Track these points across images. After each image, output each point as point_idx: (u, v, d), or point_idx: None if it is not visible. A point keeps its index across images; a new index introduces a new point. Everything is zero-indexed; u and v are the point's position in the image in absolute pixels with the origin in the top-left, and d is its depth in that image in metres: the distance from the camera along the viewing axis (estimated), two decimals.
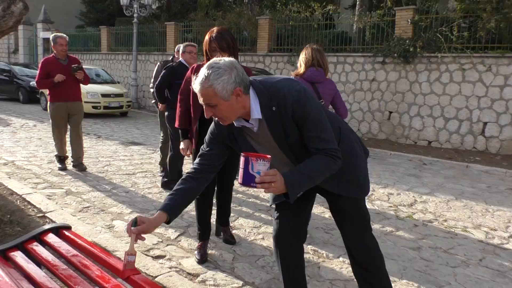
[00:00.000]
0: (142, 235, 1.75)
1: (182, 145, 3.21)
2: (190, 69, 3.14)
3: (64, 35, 5.48)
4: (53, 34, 5.51)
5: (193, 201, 3.16)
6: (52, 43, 5.36)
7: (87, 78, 5.55)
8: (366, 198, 4.70)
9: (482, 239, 3.82)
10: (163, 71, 4.78)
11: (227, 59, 1.74)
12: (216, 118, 1.80)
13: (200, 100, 1.73)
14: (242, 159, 1.67)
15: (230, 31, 2.97)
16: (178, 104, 3.22)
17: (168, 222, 1.81)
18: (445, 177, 6.32)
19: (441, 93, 9.07)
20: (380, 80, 9.94)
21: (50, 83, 5.27)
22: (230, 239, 3.42)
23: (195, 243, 3.30)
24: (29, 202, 4.11)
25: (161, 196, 4.69)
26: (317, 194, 2.19)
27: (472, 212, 4.65)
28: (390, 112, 9.80)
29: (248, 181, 1.66)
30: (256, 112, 1.77)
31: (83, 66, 5.52)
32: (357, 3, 12.45)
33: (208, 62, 1.73)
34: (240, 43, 13.03)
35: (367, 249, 2.13)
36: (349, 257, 2.20)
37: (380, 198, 5.06)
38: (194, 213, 4.05)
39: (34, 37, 20.62)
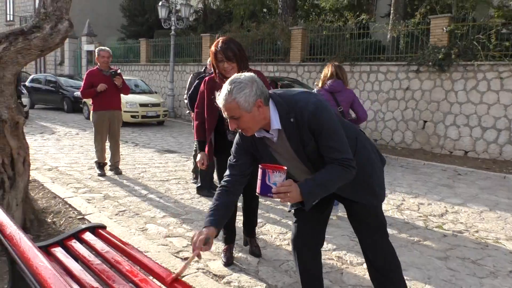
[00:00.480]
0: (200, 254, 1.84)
1: (198, 157, 3.23)
2: (202, 83, 3.21)
3: (107, 49, 5.88)
4: (97, 48, 5.95)
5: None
6: (96, 56, 5.81)
7: (127, 88, 5.92)
8: (395, 207, 4.70)
9: None
10: (196, 82, 5.00)
11: (247, 74, 1.87)
12: (240, 130, 1.92)
13: (225, 114, 1.84)
14: (259, 171, 1.78)
15: (235, 40, 3.01)
16: (194, 117, 3.29)
17: (216, 235, 1.95)
18: (480, 188, 6.16)
19: (478, 102, 8.83)
20: (415, 89, 9.80)
21: (93, 92, 5.64)
22: (255, 251, 3.37)
23: (221, 246, 3.43)
24: (70, 205, 4.39)
25: (192, 202, 4.87)
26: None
27: (506, 223, 4.53)
28: (425, 122, 9.63)
29: (265, 191, 1.77)
30: (275, 123, 1.88)
31: (123, 77, 5.89)
32: (391, 11, 12.35)
33: (230, 78, 1.86)
34: (273, 53, 13.23)
35: (384, 255, 2.18)
36: (366, 261, 2.26)
37: (410, 207, 5.02)
38: None
39: (78, 49, 21.71)
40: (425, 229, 4.27)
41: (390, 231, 4.12)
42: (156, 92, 14.85)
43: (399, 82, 10.06)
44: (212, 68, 3.07)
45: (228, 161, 2.11)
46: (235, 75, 1.88)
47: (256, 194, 1.82)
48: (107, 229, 3.50)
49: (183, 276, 2.86)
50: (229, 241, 3.27)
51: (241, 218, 3.45)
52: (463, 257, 3.56)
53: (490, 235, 4.14)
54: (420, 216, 4.69)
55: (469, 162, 8.25)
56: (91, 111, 5.92)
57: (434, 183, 6.41)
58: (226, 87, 1.82)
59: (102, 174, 5.89)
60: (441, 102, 9.38)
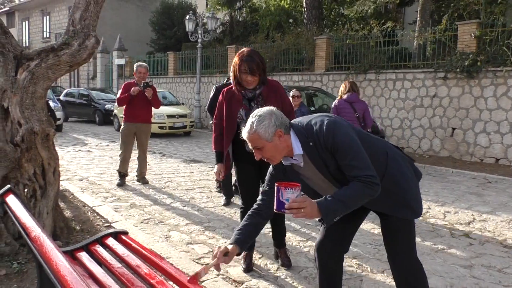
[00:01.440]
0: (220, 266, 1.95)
1: (215, 169, 3.26)
2: (221, 94, 3.25)
3: (145, 64, 6.20)
4: (136, 63, 6.26)
5: (239, 213, 3.36)
6: (134, 71, 6.10)
7: (157, 102, 6.13)
8: (421, 216, 4.67)
9: None
10: (213, 93, 5.21)
11: (266, 108, 2.03)
12: (266, 159, 2.03)
13: (250, 146, 2.00)
14: (275, 188, 1.87)
15: (258, 52, 3.06)
16: (213, 129, 3.34)
17: (238, 254, 2.03)
18: (510, 196, 5.97)
19: (509, 109, 8.58)
20: (442, 96, 9.62)
21: (127, 97, 5.88)
22: (286, 263, 3.33)
23: (242, 253, 3.47)
24: (98, 214, 4.56)
25: (215, 210, 4.96)
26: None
27: None
28: (453, 129, 9.42)
29: (279, 207, 1.85)
30: (297, 149, 1.99)
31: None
32: (418, 18, 12.20)
33: (252, 113, 2.03)
34: (298, 63, 13.29)
35: (410, 270, 2.20)
36: (392, 273, 2.28)
37: (435, 216, 4.92)
38: None
39: (110, 64, 22.48)
40: (450, 237, 4.18)
41: None
42: (183, 104, 15.18)
43: (426, 89, 9.90)
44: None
45: (262, 187, 2.23)
46: (257, 110, 2.02)
47: (274, 210, 1.91)
48: (132, 236, 3.64)
49: (202, 282, 2.93)
50: (250, 247, 3.32)
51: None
52: (488, 265, 3.47)
53: None
54: (446, 224, 4.60)
55: (500, 169, 7.99)
56: (122, 122, 6.14)
57: (462, 191, 6.26)
58: (249, 121, 1.99)
59: (121, 184, 6.03)
60: (470, 109, 9.16)
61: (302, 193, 1.91)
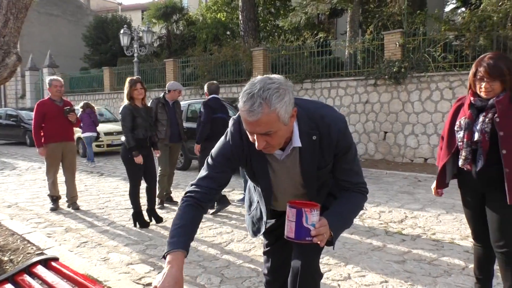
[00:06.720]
0: None
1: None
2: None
3: (59, 78, 5.76)
4: (48, 78, 5.75)
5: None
6: (48, 86, 5.56)
7: (78, 120, 5.82)
8: (357, 217, 4.79)
9: (467, 249, 3.90)
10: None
11: (277, 75, 1.50)
12: (264, 149, 1.52)
13: (256, 130, 1.44)
14: (292, 211, 1.47)
15: None
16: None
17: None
18: None
19: (433, 111, 9.24)
20: (374, 101, 10.16)
21: (42, 141, 5.44)
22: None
23: (187, 271, 3.42)
24: (29, 241, 4.27)
25: (157, 227, 4.85)
26: None
27: (461, 224, 4.73)
28: (385, 132, 9.97)
29: (303, 235, 1.47)
30: (296, 140, 1.59)
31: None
32: (348, 29, 12.84)
33: (258, 81, 1.45)
34: (237, 74, 13.44)
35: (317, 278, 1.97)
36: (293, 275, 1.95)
37: (371, 216, 5.16)
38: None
39: (40, 81, 21.34)
40: (385, 235, 4.40)
41: (351, 240, 4.23)
42: None
43: (359, 96, 10.40)
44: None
45: (206, 170, 1.69)
46: (266, 76, 1.48)
47: (288, 238, 1.50)
48: (67, 261, 3.46)
49: None
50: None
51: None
52: (419, 259, 3.69)
53: (446, 236, 4.31)
54: (381, 224, 4.83)
55: (428, 168, 8.56)
56: (43, 143, 5.51)
57: (395, 191, 6.62)
58: (257, 93, 1.39)
59: (55, 208, 5.70)
60: (399, 113, 9.75)
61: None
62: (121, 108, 4.85)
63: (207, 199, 1.65)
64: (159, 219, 4.99)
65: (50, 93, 5.62)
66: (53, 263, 2.46)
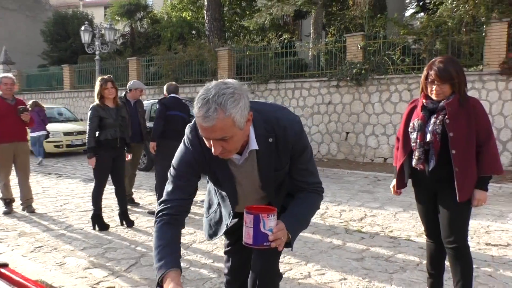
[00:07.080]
0: None
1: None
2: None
3: (10, 75, 5.53)
4: (0, 76, 5.50)
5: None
6: None
7: (32, 121, 5.60)
8: (319, 216, 4.86)
9: (422, 246, 4.04)
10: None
11: (231, 80, 1.48)
12: (220, 154, 1.51)
13: (212, 135, 1.43)
14: (249, 217, 1.47)
15: None
16: None
17: None
18: None
19: (392, 112, 9.53)
20: (336, 102, 10.36)
21: None
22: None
23: (147, 274, 3.37)
24: None
25: (117, 229, 4.74)
26: None
27: (417, 221, 4.90)
28: (347, 133, 10.19)
29: (261, 240, 1.47)
30: (253, 143, 1.58)
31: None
32: (311, 31, 13.03)
33: (212, 86, 1.42)
34: (202, 74, 13.35)
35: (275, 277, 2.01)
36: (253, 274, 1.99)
37: (332, 215, 5.26)
38: (148, 243, 4.15)
39: None
40: (345, 233, 4.50)
41: (312, 239, 4.30)
42: (81, 120, 14.27)
43: (322, 97, 10.58)
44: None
45: (171, 182, 1.66)
46: (221, 81, 1.46)
47: (246, 244, 1.50)
48: (19, 267, 3.32)
49: None
50: None
51: None
52: (377, 256, 3.80)
53: (402, 233, 4.47)
54: (342, 222, 4.94)
55: (387, 168, 8.82)
56: None
57: (356, 190, 6.79)
58: (213, 98, 1.37)
59: (8, 212, 5.45)
60: (360, 114, 9.99)
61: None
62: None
63: (181, 211, 1.63)
64: (130, 223, 4.89)
65: (1, 91, 5.37)
66: (2, 270, 2.37)
